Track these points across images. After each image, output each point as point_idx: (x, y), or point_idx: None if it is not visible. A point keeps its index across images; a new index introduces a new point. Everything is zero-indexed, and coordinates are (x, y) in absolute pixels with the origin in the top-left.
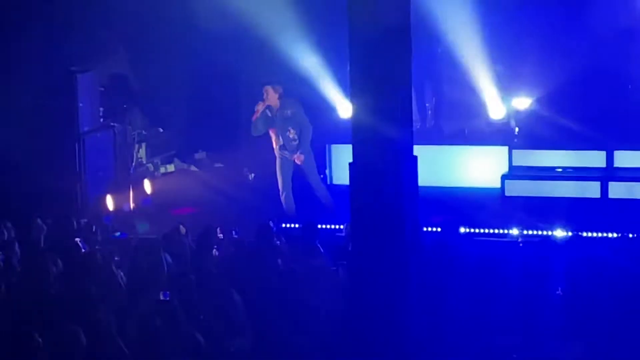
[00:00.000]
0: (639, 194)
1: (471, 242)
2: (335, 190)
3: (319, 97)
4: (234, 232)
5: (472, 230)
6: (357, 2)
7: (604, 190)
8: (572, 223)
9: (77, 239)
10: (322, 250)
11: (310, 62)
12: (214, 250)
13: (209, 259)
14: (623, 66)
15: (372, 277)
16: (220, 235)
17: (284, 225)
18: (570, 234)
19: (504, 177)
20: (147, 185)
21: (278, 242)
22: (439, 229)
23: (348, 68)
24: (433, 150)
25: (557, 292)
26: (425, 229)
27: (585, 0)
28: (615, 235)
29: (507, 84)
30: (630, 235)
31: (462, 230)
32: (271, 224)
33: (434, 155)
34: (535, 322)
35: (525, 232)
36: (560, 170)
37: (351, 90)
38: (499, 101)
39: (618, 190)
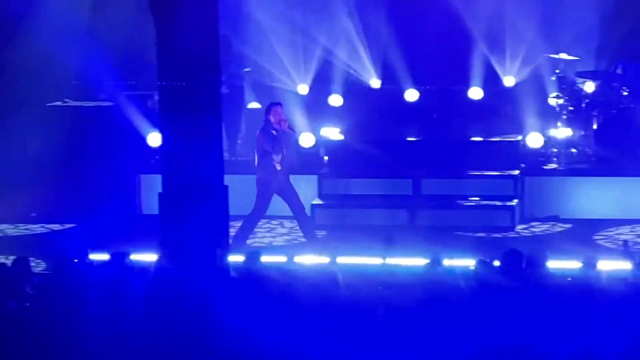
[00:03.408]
0: (444, 221)
1: None
2: (146, 220)
3: None
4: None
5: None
6: (164, 29)
7: (412, 217)
8: (381, 251)
9: None
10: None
11: None
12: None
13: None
14: (429, 95)
15: (177, 304)
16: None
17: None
18: (380, 261)
19: (313, 206)
20: None
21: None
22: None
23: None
24: (245, 179)
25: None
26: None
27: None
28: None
29: (315, 113)
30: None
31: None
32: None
33: (245, 185)
34: None
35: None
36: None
37: (160, 120)
38: (308, 130)
39: (425, 217)
